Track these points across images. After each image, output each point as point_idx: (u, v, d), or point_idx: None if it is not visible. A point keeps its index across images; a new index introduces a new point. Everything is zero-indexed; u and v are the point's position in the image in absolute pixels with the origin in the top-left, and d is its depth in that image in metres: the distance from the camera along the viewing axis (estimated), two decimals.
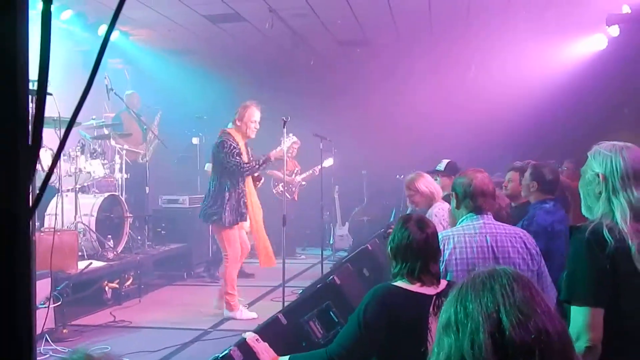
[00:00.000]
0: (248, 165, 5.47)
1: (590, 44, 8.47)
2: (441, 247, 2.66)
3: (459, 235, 2.83)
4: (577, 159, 6.21)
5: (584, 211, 2.16)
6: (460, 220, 2.96)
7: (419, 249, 2.38)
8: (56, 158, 1.00)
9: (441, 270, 2.64)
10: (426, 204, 4.55)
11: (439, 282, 2.39)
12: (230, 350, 2.35)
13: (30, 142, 0.69)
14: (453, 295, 1.24)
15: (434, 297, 2.28)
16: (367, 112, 9.59)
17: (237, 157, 5.39)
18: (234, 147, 5.40)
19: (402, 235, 2.42)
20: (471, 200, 2.89)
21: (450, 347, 1.18)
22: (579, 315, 1.88)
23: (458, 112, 8.85)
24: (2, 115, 0.67)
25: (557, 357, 1.13)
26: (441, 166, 5.51)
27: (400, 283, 2.38)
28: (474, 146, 8.27)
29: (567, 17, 7.59)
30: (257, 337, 2.47)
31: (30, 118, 0.72)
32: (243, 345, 2.41)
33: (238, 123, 5.54)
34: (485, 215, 2.90)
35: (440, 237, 2.66)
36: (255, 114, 5.56)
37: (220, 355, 2.33)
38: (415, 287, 2.34)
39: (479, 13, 7.69)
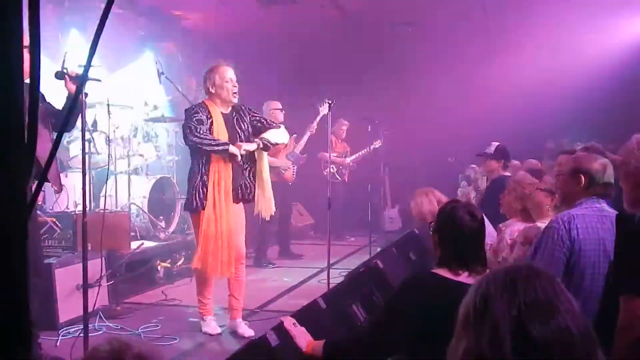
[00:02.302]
0: (200, 134, 4.34)
1: None
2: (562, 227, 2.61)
3: (589, 215, 2.71)
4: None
5: (629, 206, 2.07)
6: (580, 203, 2.78)
7: (470, 237, 2.34)
8: (57, 143, 1.02)
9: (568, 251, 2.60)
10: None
11: (484, 269, 2.34)
12: (267, 334, 2.38)
13: (26, 141, 0.71)
14: (473, 290, 1.21)
15: None
16: (417, 93, 9.45)
17: (193, 123, 4.37)
18: (198, 114, 4.42)
19: (452, 224, 2.36)
20: (600, 186, 2.75)
21: (469, 343, 1.15)
22: (634, 304, 1.81)
23: (508, 95, 8.63)
24: None
25: (579, 357, 1.08)
26: (490, 149, 5.38)
27: (440, 271, 2.34)
28: (523, 130, 8.06)
29: None
30: (294, 321, 2.49)
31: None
32: (279, 329, 2.43)
33: (211, 90, 4.55)
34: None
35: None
36: (226, 72, 4.56)
37: (257, 339, 2.37)
38: (459, 276, 2.29)
39: None
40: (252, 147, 4.58)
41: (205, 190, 4.40)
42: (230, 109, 4.61)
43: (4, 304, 0.70)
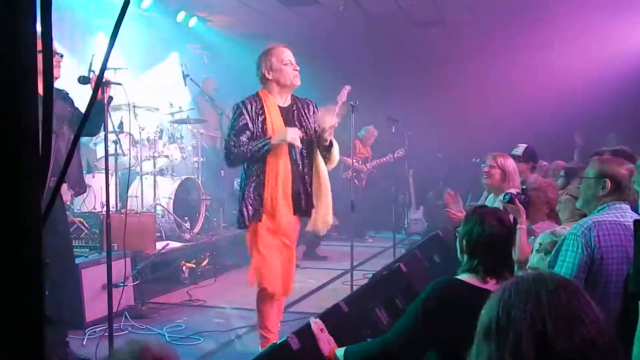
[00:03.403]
0: (239, 146, 3.64)
1: None
2: (583, 235, 2.58)
3: (611, 222, 2.65)
4: None
5: None
6: (601, 208, 2.74)
7: (499, 244, 2.30)
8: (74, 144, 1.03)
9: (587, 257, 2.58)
10: (498, 186, 4.38)
11: (512, 276, 2.31)
12: (288, 337, 2.39)
13: (40, 154, 0.71)
14: (495, 299, 1.19)
15: None
16: (441, 94, 9.38)
17: (233, 135, 3.68)
18: (242, 117, 3.69)
19: (481, 231, 2.31)
20: (624, 190, 2.70)
21: (490, 354, 1.13)
22: None
23: (535, 95, 8.51)
24: (8, 128, 0.67)
25: None
26: (518, 151, 5.28)
27: (466, 277, 2.29)
28: (549, 131, 7.94)
29: None
30: (323, 326, 2.48)
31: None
32: (301, 333, 2.44)
33: (268, 76, 3.78)
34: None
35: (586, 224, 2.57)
36: (284, 53, 3.84)
37: (278, 342, 2.37)
38: (486, 284, 2.25)
39: None
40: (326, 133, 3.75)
41: (260, 199, 3.68)
42: (289, 101, 3.87)
43: (18, 315, 0.70)
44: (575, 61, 8.34)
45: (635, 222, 1.95)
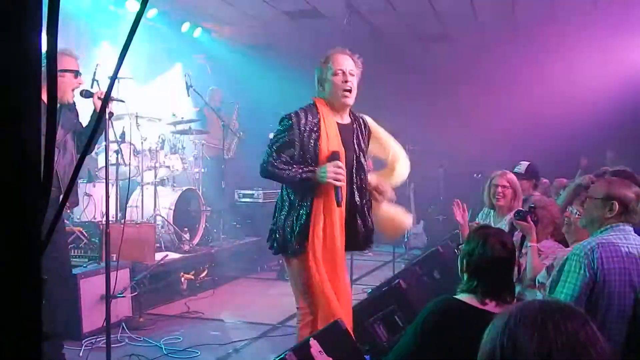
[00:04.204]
0: (277, 166, 3.12)
1: None
2: (585, 256, 2.56)
3: (615, 243, 2.63)
4: None
5: None
6: (605, 229, 2.71)
7: (501, 265, 2.28)
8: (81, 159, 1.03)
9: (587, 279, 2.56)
10: (509, 206, 4.36)
11: (512, 299, 2.29)
12: (286, 354, 2.37)
13: (42, 179, 0.71)
14: (500, 326, 1.17)
15: None
16: (443, 109, 9.40)
17: (275, 150, 3.14)
18: (291, 132, 3.13)
19: (484, 252, 2.28)
20: (630, 213, 2.68)
21: None
22: None
23: (534, 112, 8.52)
24: (10, 153, 0.67)
25: None
26: (521, 168, 5.25)
27: (465, 297, 2.27)
28: (548, 148, 7.93)
29: None
30: (321, 349, 2.47)
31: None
32: (299, 350, 2.42)
33: (320, 88, 3.27)
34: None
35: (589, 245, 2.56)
36: (338, 60, 3.24)
37: (277, 359, 2.35)
38: (485, 305, 2.23)
39: (564, 5, 7.35)
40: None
41: (305, 229, 3.14)
42: (349, 118, 3.32)
43: (16, 329, 0.70)
44: (576, 78, 8.36)
45: None
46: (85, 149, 0.99)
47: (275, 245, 3.28)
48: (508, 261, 2.30)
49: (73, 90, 3.68)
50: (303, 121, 3.13)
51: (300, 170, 3.08)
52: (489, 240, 2.28)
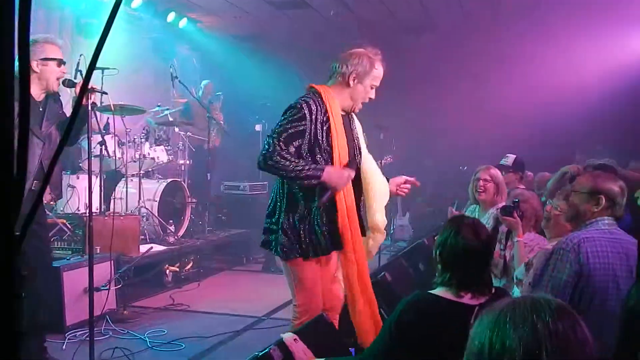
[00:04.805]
0: (285, 157, 2.91)
1: None
2: (571, 251, 2.58)
3: (600, 238, 2.64)
4: None
5: None
6: (590, 223, 2.72)
7: (474, 256, 2.21)
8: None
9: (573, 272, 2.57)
10: (492, 200, 4.36)
11: (490, 290, 2.26)
12: (270, 349, 2.35)
13: (15, 174, 0.68)
14: (489, 322, 1.15)
15: (477, 307, 2.13)
16: (430, 101, 9.40)
17: (282, 140, 2.93)
18: (303, 122, 2.97)
19: (455, 242, 2.22)
20: (616, 207, 2.69)
21: None
22: None
23: (524, 104, 8.55)
24: None
25: None
26: (508, 161, 5.27)
27: (440, 292, 2.22)
28: (536, 139, 7.98)
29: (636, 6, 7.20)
30: (296, 337, 2.45)
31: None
32: (283, 345, 2.40)
33: (350, 81, 3.10)
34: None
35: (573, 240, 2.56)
36: (379, 75, 3.21)
37: (260, 354, 2.33)
38: (460, 297, 2.19)
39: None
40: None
41: (325, 228, 3.05)
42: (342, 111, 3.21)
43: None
44: (563, 72, 8.39)
45: None
46: (63, 140, 0.96)
47: (279, 249, 3.05)
48: (482, 251, 2.23)
49: (58, 79, 3.62)
50: (315, 112, 2.98)
51: (308, 167, 2.92)
52: (462, 230, 2.23)
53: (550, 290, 2.58)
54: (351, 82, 3.10)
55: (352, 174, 3.05)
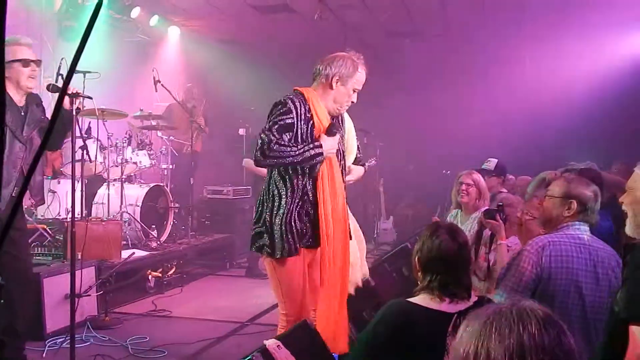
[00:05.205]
0: (283, 143, 2.98)
1: None
2: (534, 253, 2.59)
3: (566, 243, 2.65)
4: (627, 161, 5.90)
5: (630, 231, 2.04)
6: (560, 228, 2.73)
7: (452, 260, 2.20)
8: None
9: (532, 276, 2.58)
10: (474, 204, 4.38)
11: (469, 296, 2.26)
12: (253, 356, 2.33)
13: None
14: (474, 331, 1.14)
15: (455, 315, 2.12)
16: (414, 105, 9.45)
17: (275, 131, 2.99)
18: (289, 116, 3.04)
19: (432, 245, 2.22)
20: (587, 212, 2.69)
21: None
22: None
23: (506, 108, 8.63)
24: None
25: None
26: (490, 165, 5.30)
27: (419, 299, 2.21)
28: (519, 145, 8.03)
29: (619, 13, 7.29)
30: (279, 343, 2.43)
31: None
32: (266, 351, 2.38)
33: (334, 83, 3.15)
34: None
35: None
36: (361, 80, 3.28)
37: None
38: (439, 305, 2.17)
39: (532, 4, 7.45)
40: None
41: (309, 220, 3.12)
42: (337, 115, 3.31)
43: None
44: (546, 76, 8.48)
45: (625, 246, 1.96)
46: (43, 144, 0.95)
47: (265, 248, 3.12)
48: (459, 254, 2.22)
49: (32, 78, 3.58)
50: (299, 108, 3.08)
51: (309, 147, 2.99)
52: (438, 232, 2.24)
53: (510, 290, 2.60)
54: (334, 84, 3.16)
55: (338, 136, 3.16)
